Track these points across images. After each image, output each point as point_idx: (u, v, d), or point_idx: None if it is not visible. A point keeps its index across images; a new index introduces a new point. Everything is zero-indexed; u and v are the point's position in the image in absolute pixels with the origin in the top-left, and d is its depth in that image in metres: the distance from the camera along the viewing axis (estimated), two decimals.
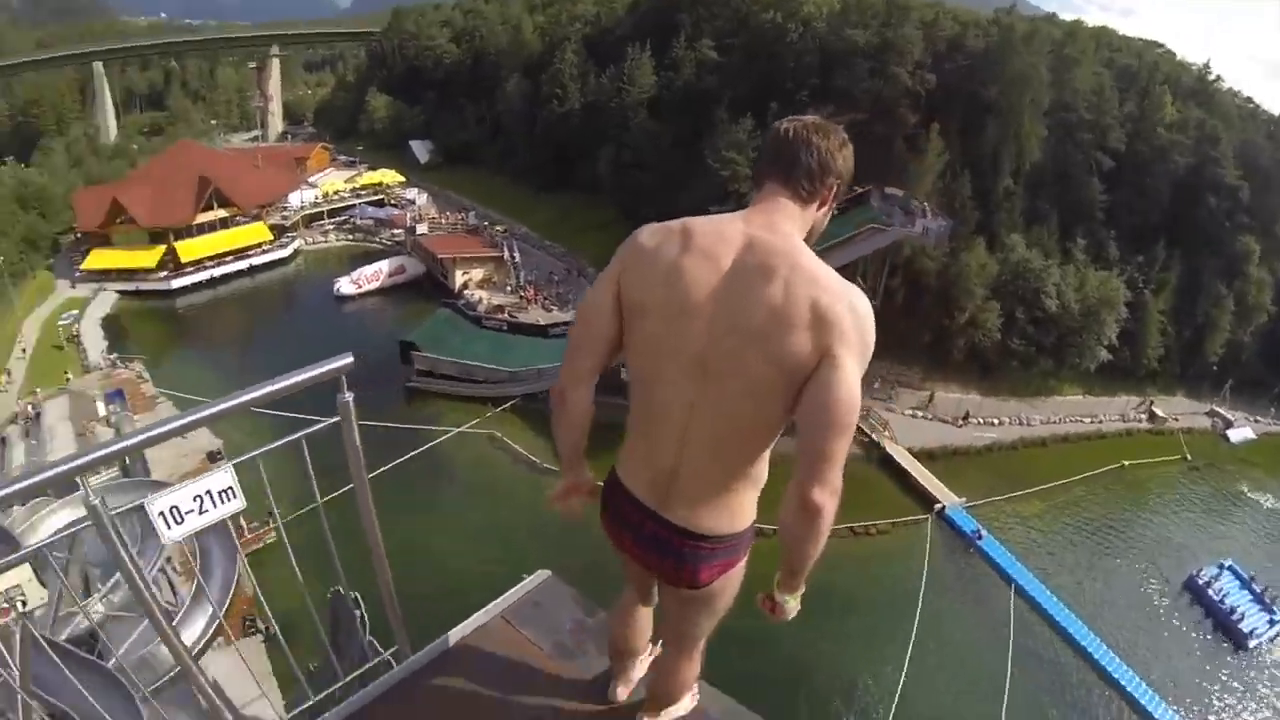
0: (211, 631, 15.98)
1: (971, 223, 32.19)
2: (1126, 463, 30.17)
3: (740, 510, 1.81)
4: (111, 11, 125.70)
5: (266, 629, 17.09)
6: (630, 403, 1.79)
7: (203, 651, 15.65)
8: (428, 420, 28.13)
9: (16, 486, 1.58)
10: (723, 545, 1.82)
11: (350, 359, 1.96)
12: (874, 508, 25.02)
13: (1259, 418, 35.51)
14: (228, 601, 18.28)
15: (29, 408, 28.75)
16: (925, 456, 27.90)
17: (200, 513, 1.76)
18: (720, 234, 1.65)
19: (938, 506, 25.61)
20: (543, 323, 31.61)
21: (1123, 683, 20.11)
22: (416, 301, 36.77)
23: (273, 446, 2.14)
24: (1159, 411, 34.00)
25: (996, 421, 30.62)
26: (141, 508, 1.72)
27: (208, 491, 1.77)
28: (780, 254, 1.58)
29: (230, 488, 1.81)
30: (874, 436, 28.19)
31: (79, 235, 43.58)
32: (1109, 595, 23.82)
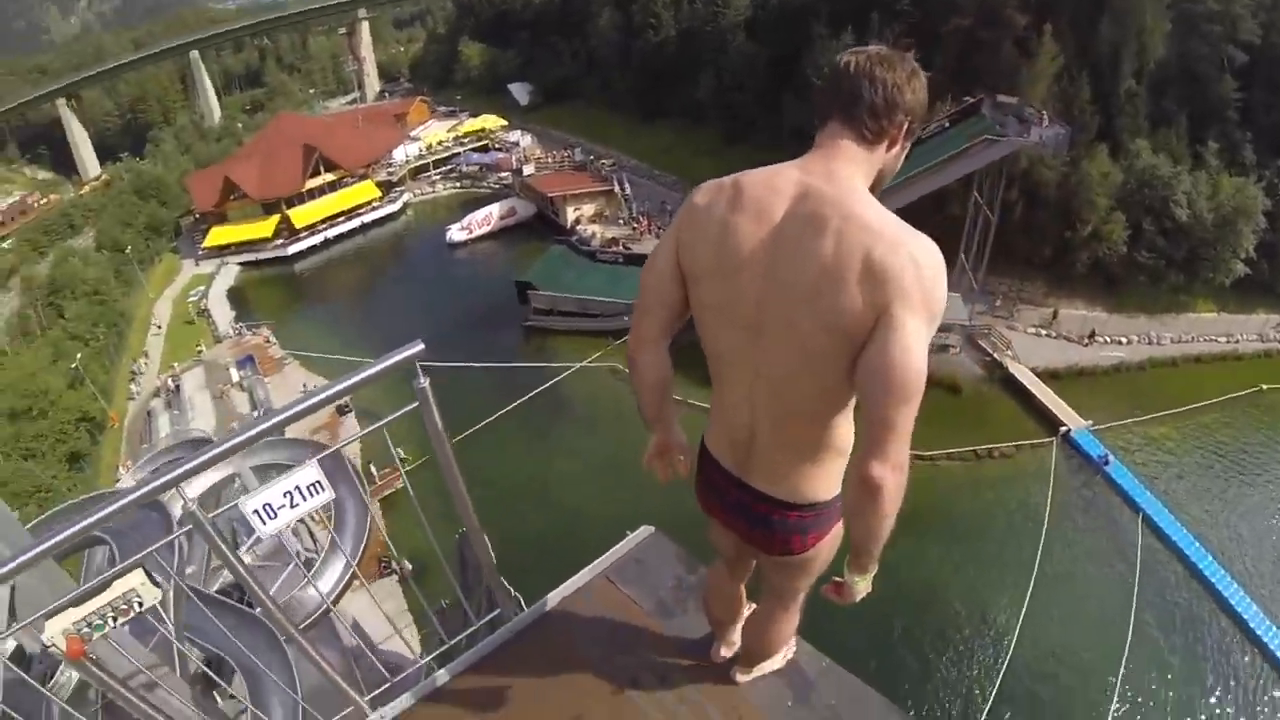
0: (349, 576, 16.68)
1: (1092, 129, 30.29)
2: (1265, 386, 28.15)
3: (827, 477, 1.75)
4: (200, 1, 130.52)
5: (400, 569, 18.51)
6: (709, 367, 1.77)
7: (342, 594, 16.48)
8: (548, 358, 29.25)
9: (117, 505, 1.65)
10: (812, 513, 1.78)
11: (420, 345, 1.95)
12: (997, 430, 24.86)
13: None
14: (363, 546, 18.80)
15: (169, 381, 31.57)
16: (1049, 376, 27.14)
17: (291, 507, 1.82)
18: (772, 186, 1.55)
19: (1063, 429, 24.95)
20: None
21: (1254, 626, 19.15)
22: (529, 241, 37.58)
23: (356, 436, 2.43)
24: None
25: (1124, 340, 29.31)
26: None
27: (297, 487, 1.84)
28: (834, 203, 1.47)
29: (318, 481, 1.86)
30: (995, 355, 27.62)
31: (197, 216, 46.78)
32: (1244, 531, 22.56)
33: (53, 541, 1.63)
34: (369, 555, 20.00)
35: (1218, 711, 17.72)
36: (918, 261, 1.41)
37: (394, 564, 19.19)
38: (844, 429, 1.69)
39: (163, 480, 1.67)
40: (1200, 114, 32.13)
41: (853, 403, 1.62)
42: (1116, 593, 20.02)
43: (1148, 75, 32.19)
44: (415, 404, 2.07)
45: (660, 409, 1.92)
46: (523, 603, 2.85)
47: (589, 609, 2.74)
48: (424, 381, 2.00)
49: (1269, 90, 32.46)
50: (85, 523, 1.62)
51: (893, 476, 1.46)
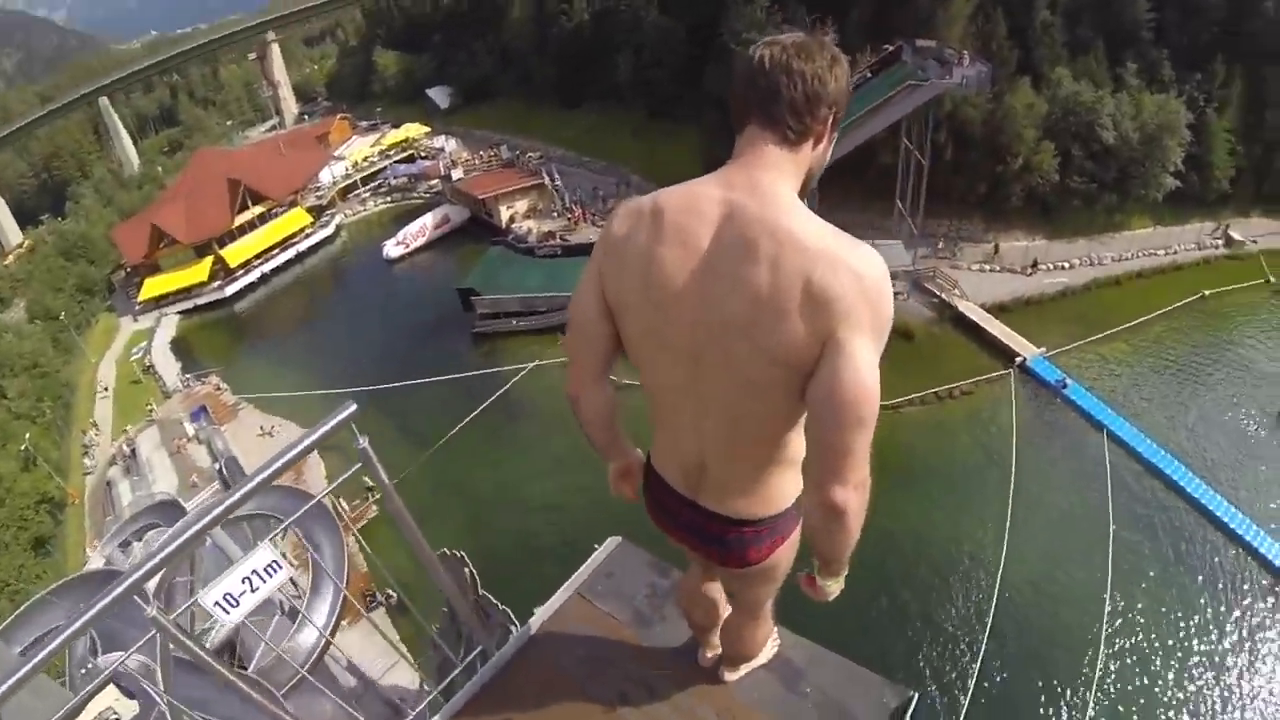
0: (337, 615, 16.51)
1: (1012, 63, 30.62)
2: (1207, 292, 28.92)
3: (780, 491, 1.70)
4: (103, 44, 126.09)
5: (388, 599, 18.37)
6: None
7: (333, 635, 16.45)
8: (500, 360, 28.74)
9: (85, 618, 1.61)
10: (768, 525, 1.73)
11: (353, 407, 1.91)
12: (954, 369, 24.98)
13: None
14: (345, 582, 18.87)
15: (123, 446, 30.36)
16: (998, 310, 27.40)
17: (253, 591, 1.82)
18: (694, 209, 1.44)
19: (1018, 359, 25.21)
20: (595, 239, 31.57)
21: (1225, 519, 19.69)
22: (467, 246, 37.05)
23: (304, 508, 2.32)
24: (1236, 235, 32.31)
25: (1066, 265, 29.69)
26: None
27: (254, 571, 1.84)
28: (764, 224, 1.37)
29: (274, 561, 1.86)
30: (943, 296, 27.77)
31: (129, 270, 44.92)
32: (1203, 431, 23.22)
33: (32, 665, 1.60)
34: (355, 590, 19.64)
35: (1206, 608, 18.02)
36: (860, 276, 1.32)
37: (379, 595, 18.90)
38: (796, 442, 1.61)
39: (125, 585, 1.64)
40: (1116, 37, 32.56)
41: (804, 417, 1.52)
42: (1092, 509, 20.29)
43: (1061, 5, 32.58)
44: (359, 465, 2.11)
45: (611, 442, 1.90)
46: (511, 615, 2.87)
47: (568, 630, 2.73)
48: (363, 442, 1.98)
49: (1180, 8, 33.02)
50: (58, 643, 1.62)
51: (855, 496, 1.43)
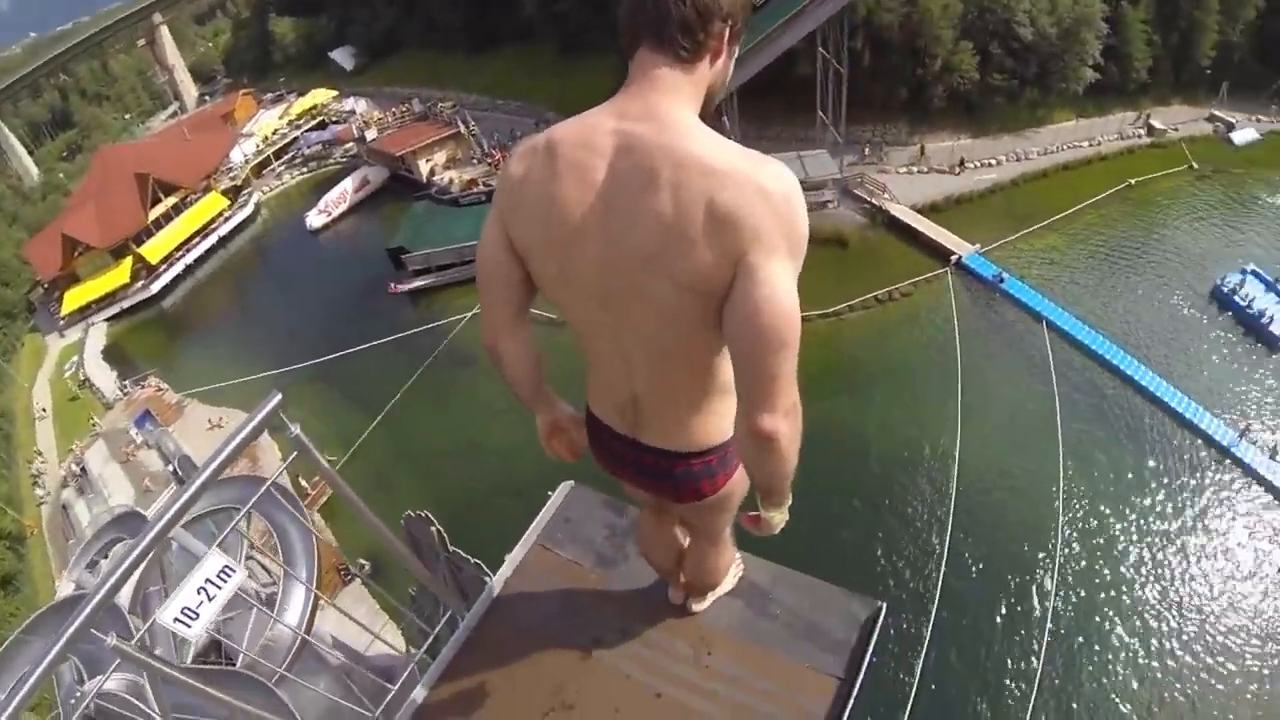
0: (312, 599, 16.40)
1: None
2: (1133, 180, 29.58)
3: (720, 418, 1.64)
4: None
5: (361, 569, 17.79)
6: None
7: (313, 617, 16.11)
8: (439, 314, 28.10)
9: (47, 661, 1.55)
10: (716, 455, 1.69)
11: (278, 396, 1.85)
12: (891, 272, 25.02)
13: (1260, 117, 34.22)
14: (316, 562, 18.65)
15: (72, 466, 29.11)
16: (930, 210, 27.47)
17: (210, 599, 1.79)
18: (589, 144, 1.36)
19: (954, 257, 25.38)
20: None
21: (1165, 399, 20.28)
22: (392, 205, 36.03)
23: (250, 504, 2.41)
24: (1157, 124, 33.05)
25: (993, 162, 29.91)
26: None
27: (207, 580, 1.80)
28: (662, 149, 1.29)
29: (227, 566, 1.83)
30: (874, 201, 27.72)
31: (46, 286, 42.67)
32: (1138, 313, 23.87)
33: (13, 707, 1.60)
34: (327, 568, 19.25)
35: (1155, 484, 18.55)
36: (767, 194, 1.26)
37: (353, 568, 18.62)
38: (727, 368, 1.53)
39: (79, 622, 1.56)
40: None
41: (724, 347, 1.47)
42: (1039, 398, 20.62)
43: None
44: (294, 454, 2.10)
45: (536, 392, 1.84)
46: (484, 567, 2.88)
47: (534, 582, 2.71)
48: (295, 429, 1.94)
49: None
50: (22, 695, 1.60)
51: (786, 423, 1.38)
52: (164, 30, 63.80)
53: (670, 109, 1.33)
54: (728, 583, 2.52)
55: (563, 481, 3.03)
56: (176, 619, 1.75)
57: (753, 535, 1.75)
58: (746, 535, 2.09)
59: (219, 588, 1.80)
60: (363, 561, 17.79)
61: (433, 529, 3.12)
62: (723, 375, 1.55)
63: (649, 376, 1.57)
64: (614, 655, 2.43)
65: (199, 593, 1.77)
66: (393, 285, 30.20)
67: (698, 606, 2.49)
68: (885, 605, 2.48)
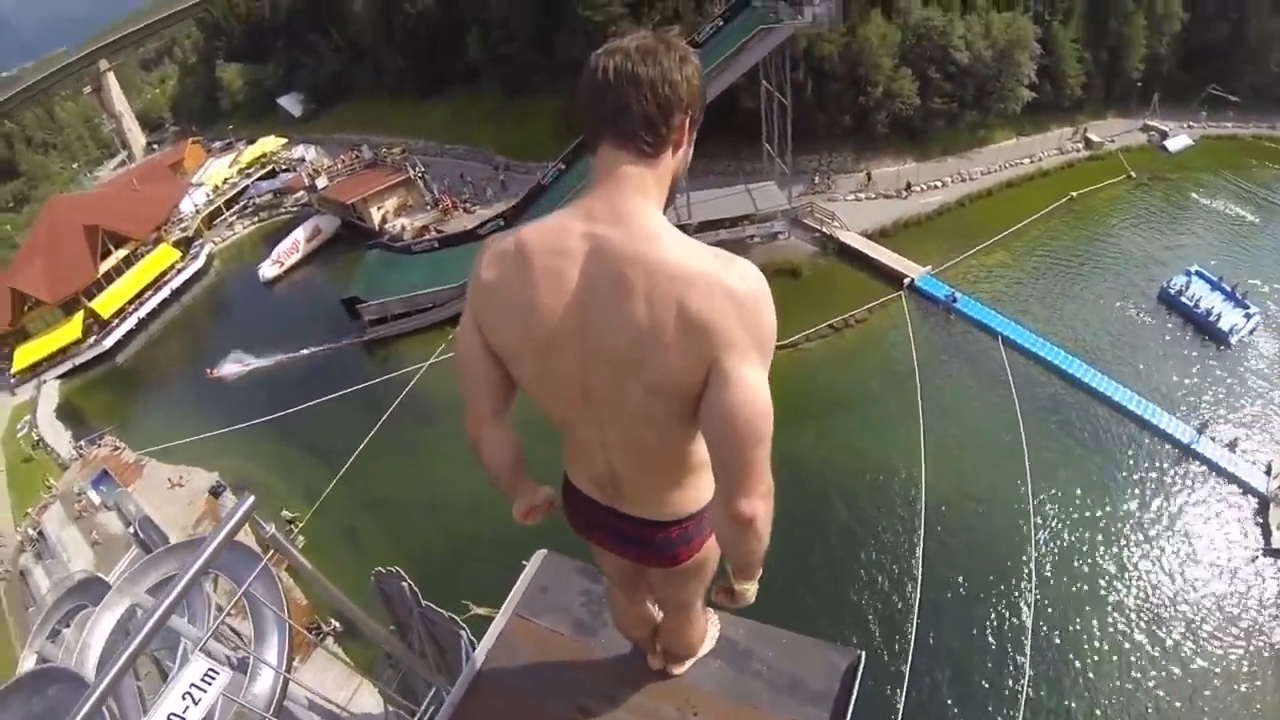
0: (287, 654, 16.22)
1: None
2: (1074, 193, 30.55)
3: (698, 491, 1.69)
4: None
5: (334, 629, 17.82)
6: None
7: (286, 684, 15.68)
8: (396, 364, 27.72)
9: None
10: (692, 522, 1.73)
11: (252, 499, 1.84)
12: (845, 299, 25.23)
13: (1192, 123, 35.80)
14: (287, 622, 18.29)
15: (29, 531, 28.00)
16: (880, 235, 27.88)
17: (195, 703, 1.78)
18: (560, 249, 1.38)
19: (907, 280, 25.75)
20: (470, 226, 30.71)
21: (1123, 402, 20.77)
22: (345, 254, 35.51)
23: (210, 632, 2.66)
24: (1094, 137, 34.23)
25: (939, 184, 30.53)
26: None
27: (192, 684, 1.79)
28: (633, 258, 1.31)
29: (210, 669, 1.82)
30: (824, 230, 28.02)
31: None
32: (1089, 322, 24.44)
33: None
34: (298, 625, 18.80)
35: (1122, 487, 18.91)
36: (735, 297, 1.29)
37: (324, 625, 18.15)
38: (702, 448, 1.52)
39: None
40: None
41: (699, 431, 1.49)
42: (1001, 414, 20.87)
43: None
44: (265, 558, 2.44)
45: (516, 483, 1.83)
46: (459, 621, 2.95)
47: (514, 654, 2.69)
48: (270, 529, 1.96)
49: None
50: None
51: (763, 505, 1.43)
52: (111, 77, 62.97)
53: (636, 211, 1.35)
54: (707, 644, 2.56)
55: (532, 551, 3.05)
56: None
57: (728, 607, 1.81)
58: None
59: (204, 691, 1.80)
60: (334, 622, 17.67)
61: (404, 584, 3.13)
62: (698, 455, 1.58)
63: (627, 460, 1.61)
64: None
65: (184, 698, 1.77)
66: (208, 371, 31.10)
67: (678, 670, 2.52)
68: (864, 653, 2.52)
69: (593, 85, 1.34)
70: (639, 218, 1.34)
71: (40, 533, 27.35)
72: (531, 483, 1.85)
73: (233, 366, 31.92)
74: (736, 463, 1.38)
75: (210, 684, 1.80)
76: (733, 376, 1.30)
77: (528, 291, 1.40)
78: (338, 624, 17.50)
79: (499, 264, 1.45)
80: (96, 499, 26.85)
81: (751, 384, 1.31)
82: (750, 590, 1.73)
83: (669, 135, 1.36)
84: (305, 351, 30.50)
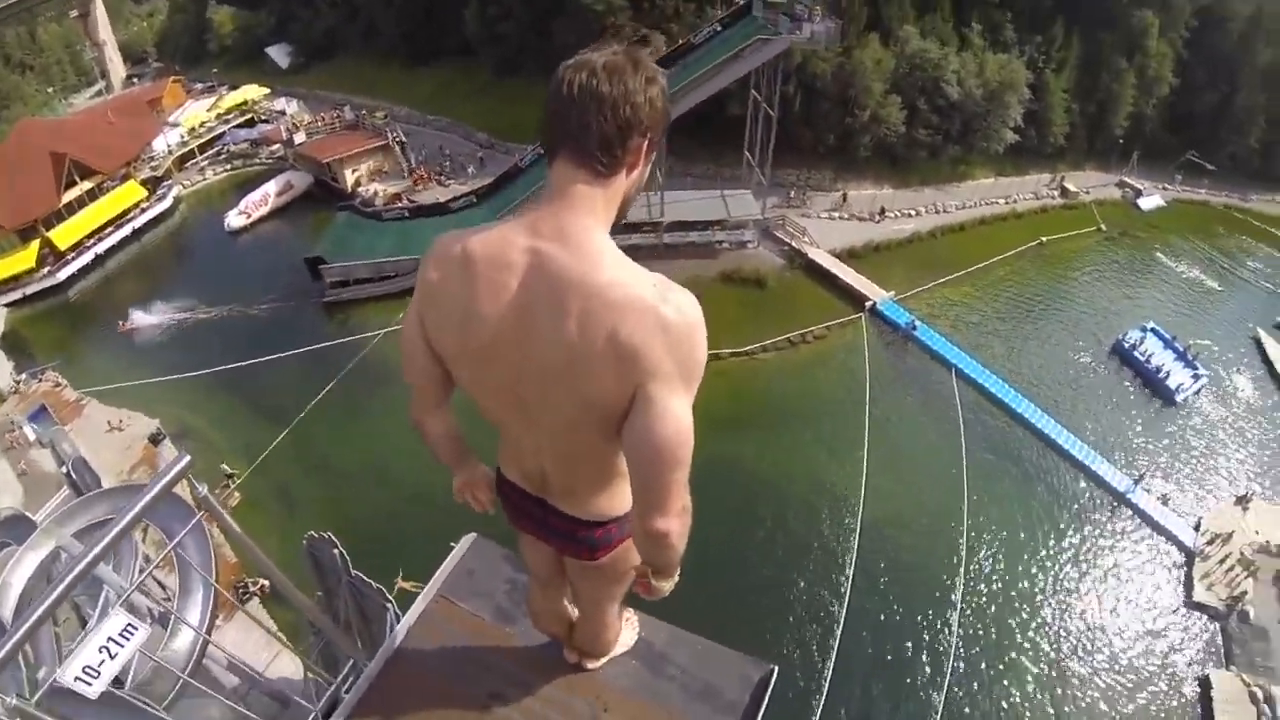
0: (210, 613, 16.02)
1: (862, 19, 31.38)
2: (1045, 238, 31.14)
3: (621, 497, 1.72)
4: None
5: (261, 589, 17.63)
6: None
7: (209, 634, 15.57)
8: (354, 329, 27.29)
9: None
10: (615, 523, 1.78)
11: (188, 458, 1.85)
12: (806, 315, 25.37)
13: (1166, 185, 36.85)
14: (214, 576, 18.08)
15: None
16: (848, 256, 28.12)
17: (112, 658, 1.76)
18: (503, 260, 1.40)
19: (869, 303, 25.94)
20: (443, 199, 30.39)
21: (1066, 447, 21.19)
22: (314, 212, 34.87)
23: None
24: (1070, 186, 34.92)
25: (913, 213, 30.91)
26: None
27: (109, 639, 1.77)
28: (572, 280, 1.34)
29: (130, 624, 1.79)
30: (793, 244, 28.16)
31: None
32: (1043, 365, 24.91)
33: None
34: (225, 583, 18.33)
35: (1054, 528, 19.31)
36: (666, 328, 1.32)
37: (251, 585, 17.96)
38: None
39: None
40: None
41: None
42: (945, 443, 21.14)
43: None
44: (200, 514, 1.88)
45: (457, 461, 1.98)
46: (386, 593, 2.94)
47: (435, 634, 2.71)
48: (203, 489, 1.96)
49: None
50: None
51: (678, 522, 1.47)
52: (98, 3, 61.35)
53: (582, 231, 1.37)
54: (622, 645, 2.60)
55: (466, 533, 3.04)
56: (78, 678, 1.73)
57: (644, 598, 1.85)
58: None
59: (121, 646, 1.77)
60: (262, 580, 17.50)
61: (335, 551, 3.12)
62: (622, 465, 1.58)
63: (555, 463, 1.67)
64: (512, 710, 2.47)
65: (100, 651, 1.75)
66: (121, 324, 30.43)
67: (593, 665, 2.57)
68: (776, 667, 2.55)
69: (557, 99, 1.35)
70: (583, 238, 1.36)
71: None
72: (473, 462, 1.99)
73: (146, 319, 31.34)
74: (655, 484, 1.42)
75: (129, 639, 1.79)
76: (657, 405, 1.34)
77: (468, 299, 1.44)
78: (265, 584, 17.29)
79: (443, 266, 1.49)
80: (31, 434, 25.86)
81: (675, 414, 1.35)
82: (666, 586, 1.77)
83: (625, 157, 1.38)
84: (224, 309, 30.14)
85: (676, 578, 1.77)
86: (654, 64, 1.38)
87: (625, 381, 1.34)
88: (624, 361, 1.32)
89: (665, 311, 1.32)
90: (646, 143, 1.40)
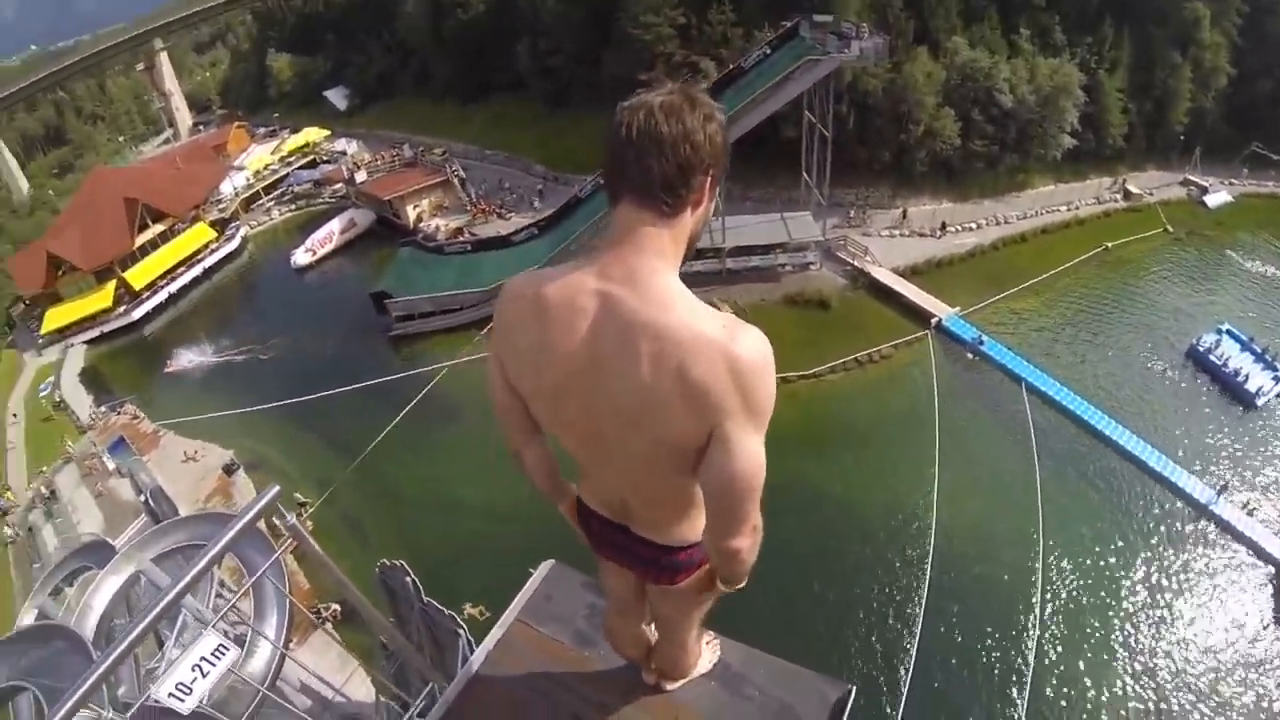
0: (285, 636, 16.35)
1: (909, 33, 31.19)
2: (1109, 244, 30.30)
3: (700, 519, 1.71)
4: None
5: (333, 614, 17.80)
6: None
7: (283, 660, 15.79)
8: (420, 362, 27.91)
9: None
10: (695, 547, 1.80)
11: (277, 488, 1.94)
12: (872, 334, 25.15)
13: (1233, 180, 35.51)
14: (288, 604, 18.40)
15: (41, 489, 28.35)
16: (911, 273, 27.82)
17: (204, 676, 1.83)
18: (574, 304, 1.43)
19: (934, 320, 25.61)
20: (504, 232, 30.98)
21: (1143, 458, 20.52)
22: (377, 249, 35.98)
23: (224, 611, 2.71)
24: (1133, 188, 33.98)
25: (974, 226, 30.44)
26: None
27: (202, 658, 1.85)
28: (642, 321, 1.36)
29: (221, 645, 1.88)
30: (856, 264, 28.00)
31: (27, 302, 42.11)
32: (1115, 374, 24.20)
33: None
34: (297, 611, 18.96)
35: (1135, 544, 18.65)
36: (737, 367, 1.34)
37: (324, 611, 18.06)
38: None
39: (86, 686, 1.61)
40: (1009, 5, 33.56)
41: None
42: (1017, 460, 20.66)
43: None
44: (288, 543, 2.16)
45: (554, 489, 1.99)
46: (458, 619, 2.99)
47: (514, 658, 2.74)
48: (291, 518, 2.02)
49: None
50: None
51: (749, 540, 1.55)
52: (164, 56, 64.10)
53: (651, 275, 1.38)
54: (703, 665, 2.60)
55: (536, 561, 3.09)
56: (172, 694, 1.79)
57: (740, 604, 1.96)
58: (723, 614, 2.29)
59: (213, 665, 1.85)
60: (335, 606, 17.64)
61: (408, 579, 3.22)
62: (699, 494, 1.61)
63: (635, 493, 1.71)
64: None
65: (194, 669, 1.82)
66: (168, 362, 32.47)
67: (670, 687, 2.57)
68: (855, 687, 2.54)
69: (615, 142, 1.37)
70: (652, 280, 1.38)
71: (52, 492, 27.70)
72: (568, 486, 2.00)
73: (189, 360, 32.89)
74: (729, 513, 1.49)
75: (220, 659, 1.87)
76: (731, 443, 1.37)
77: (541, 342, 1.47)
78: (338, 609, 17.52)
79: (515, 306, 1.53)
80: (111, 464, 27.07)
81: (747, 448, 1.39)
82: (734, 588, 1.85)
83: (689, 196, 1.39)
84: (289, 344, 31.25)
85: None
86: (711, 99, 1.39)
87: (698, 421, 1.37)
88: (696, 402, 1.35)
89: (735, 350, 1.33)
90: (709, 179, 1.41)
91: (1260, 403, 22.62)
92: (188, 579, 1.80)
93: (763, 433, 1.41)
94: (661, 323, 1.35)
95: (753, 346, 1.36)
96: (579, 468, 1.80)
